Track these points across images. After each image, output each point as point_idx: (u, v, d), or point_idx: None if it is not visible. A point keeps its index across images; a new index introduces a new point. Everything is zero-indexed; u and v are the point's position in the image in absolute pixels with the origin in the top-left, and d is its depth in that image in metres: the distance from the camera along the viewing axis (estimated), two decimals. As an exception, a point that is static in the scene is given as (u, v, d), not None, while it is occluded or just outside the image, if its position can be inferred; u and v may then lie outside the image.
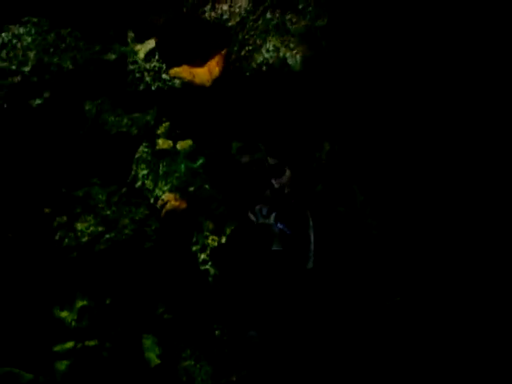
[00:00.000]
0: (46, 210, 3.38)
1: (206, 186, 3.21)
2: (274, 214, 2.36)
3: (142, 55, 3.42)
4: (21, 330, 3.30)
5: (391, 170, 2.94)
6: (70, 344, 3.32)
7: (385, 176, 2.95)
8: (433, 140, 2.88)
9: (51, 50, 3.44)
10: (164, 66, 3.29)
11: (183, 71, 3.12)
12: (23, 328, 3.31)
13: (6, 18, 3.51)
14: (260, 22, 3.06)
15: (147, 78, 3.40)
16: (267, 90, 3.08)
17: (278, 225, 2.37)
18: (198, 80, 3.08)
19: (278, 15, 3.03)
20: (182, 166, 3.28)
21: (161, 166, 3.35)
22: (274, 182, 2.27)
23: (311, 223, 2.54)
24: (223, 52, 3.08)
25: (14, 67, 3.30)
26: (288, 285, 2.49)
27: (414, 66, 2.85)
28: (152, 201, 3.37)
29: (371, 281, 2.96)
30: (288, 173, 2.32)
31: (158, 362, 3.32)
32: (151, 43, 3.35)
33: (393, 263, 2.96)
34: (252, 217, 2.39)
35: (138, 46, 3.46)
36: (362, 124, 2.98)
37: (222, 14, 3.15)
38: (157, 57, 3.37)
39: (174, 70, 3.14)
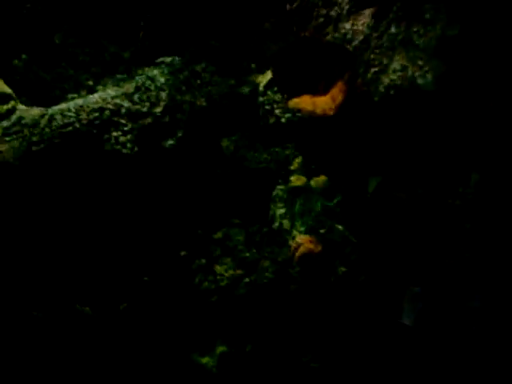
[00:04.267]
0: (182, 253, 3.31)
1: (339, 227, 2.92)
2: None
3: (261, 87, 3.23)
4: (159, 374, 3.26)
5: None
6: (212, 391, 3.24)
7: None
8: None
9: (183, 88, 3.38)
10: (283, 97, 3.06)
11: (303, 101, 2.86)
12: (161, 373, 3.26)
13: (143, 60, 3.54)
14: (384, 38, 2.71)
15: (276, 111, 3.20)
16: (398, 115, 2.71)
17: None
18: (319, 110, 2.80)
19: (403, 28, 2.66)
20: (318, 204, 3.01)
21: (297, 204, 3.12)
22: None
23: None
24: (346, 76, 2.77)
25: (145, 109, 3.25)
26: None
27: None
28: (290, 242, 3.16)
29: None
30: None
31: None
32: (269, 74, 3.15)
33: None
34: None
35: (260, 78, 3.28)
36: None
37: (345, 34, 2.83)
38: (275, 88, 3.15)
39: (294, 101, 2.89)
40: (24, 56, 3.53)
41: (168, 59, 3.49)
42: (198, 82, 3.45)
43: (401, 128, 2.73)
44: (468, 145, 2.61)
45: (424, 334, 2.22)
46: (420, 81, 2.60)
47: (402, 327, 2.29)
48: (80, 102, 3.29)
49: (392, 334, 2.31)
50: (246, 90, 3.42)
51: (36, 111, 3.28)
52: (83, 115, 3.22)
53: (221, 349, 3.25)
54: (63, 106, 3.29)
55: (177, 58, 3.50)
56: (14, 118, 3.29)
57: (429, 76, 2.57)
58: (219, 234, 3.33)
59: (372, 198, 2.79)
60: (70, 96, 3.45)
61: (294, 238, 3.13)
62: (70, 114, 3.22)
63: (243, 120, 3.43)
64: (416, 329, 2.25)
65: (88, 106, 3.25)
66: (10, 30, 3.55)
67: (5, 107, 3.34)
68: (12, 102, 3.36)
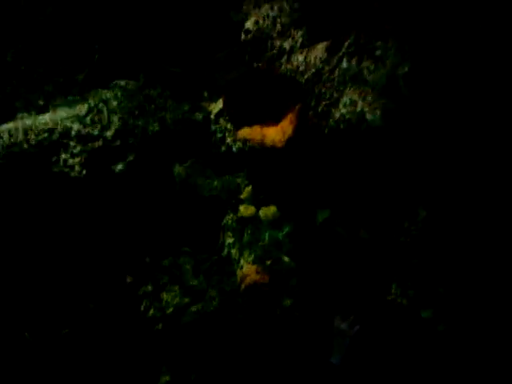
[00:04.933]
0: (129, 279, 3.26)
1: (285, 259, 2.91)
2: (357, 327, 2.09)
3: (213, 115, 3.23)
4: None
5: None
6: (152, 422, 3.15)
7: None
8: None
9: (136, 112, 3.34)
10: (232, 127, 3.05)
11: (253, 132, 2.85)
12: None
13: (97, 82, 3.50)
14: (336, 72, 2.73)
15: (228, 139, 3.19)
16: (347, 149, 2.72)
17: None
18: (268, 141, 2.80)
19: (354, 64, 2.68)
20: (266, 234, 3.00)
21: (245, 234, 3.10)
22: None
23: None
24: (297, 108, 2.78)
25: (96, 132, 3.21)
26: None
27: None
28: (238, 272, 3.13)
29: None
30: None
31: None
32: (221, 102, 3.15)
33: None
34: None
35: (212, 106, 3.27)
36: (460, 187, 2.53)
37: (297, 66, 2.86)
38: (227, 117, 3.15)
39: (244, 131, 2.88)
40: (-28, 73, 3.47)
41: (122, 82, 3.46)
42: (152, 106, 3.42)
43: (349, 162, 2.75)
44: (415, 181, 2.63)
45: (351, 373, 2.20)
46: (369, 116, 2.62)
47: (332, 367, 2.26)
48: (29, 122, 3.23)
49: (323, 374, 2.28)
50: (199, 116, 3.41)
51: (-19, 130, 3.21)
52: (32, 136, 3.16)
53: (165, 378, 3.19)
54: (11, 125, 3.22)
55: (131, 82, 3.48)
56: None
57: (377, 112, 2.59)
58: (167, 262, 3.29)
59: (320, 230, 2.79)
60: (19, 115, 3.38)
61: (241, 267, 3.10)
62: (17, 133, 3.16)
63: (196, 146, 3.41)
64: (343, 368, 2.22)
65: (37, 127, 3.19)
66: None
67: None
68: (-43, 120, 3.28)
